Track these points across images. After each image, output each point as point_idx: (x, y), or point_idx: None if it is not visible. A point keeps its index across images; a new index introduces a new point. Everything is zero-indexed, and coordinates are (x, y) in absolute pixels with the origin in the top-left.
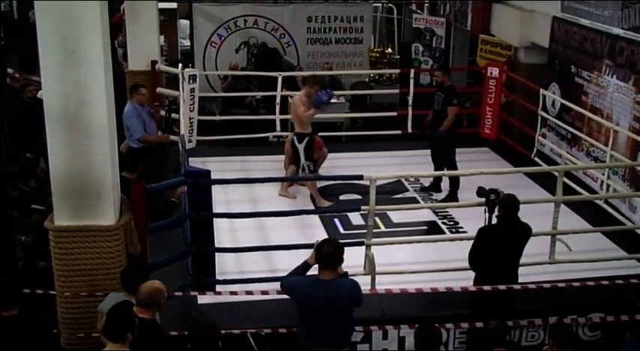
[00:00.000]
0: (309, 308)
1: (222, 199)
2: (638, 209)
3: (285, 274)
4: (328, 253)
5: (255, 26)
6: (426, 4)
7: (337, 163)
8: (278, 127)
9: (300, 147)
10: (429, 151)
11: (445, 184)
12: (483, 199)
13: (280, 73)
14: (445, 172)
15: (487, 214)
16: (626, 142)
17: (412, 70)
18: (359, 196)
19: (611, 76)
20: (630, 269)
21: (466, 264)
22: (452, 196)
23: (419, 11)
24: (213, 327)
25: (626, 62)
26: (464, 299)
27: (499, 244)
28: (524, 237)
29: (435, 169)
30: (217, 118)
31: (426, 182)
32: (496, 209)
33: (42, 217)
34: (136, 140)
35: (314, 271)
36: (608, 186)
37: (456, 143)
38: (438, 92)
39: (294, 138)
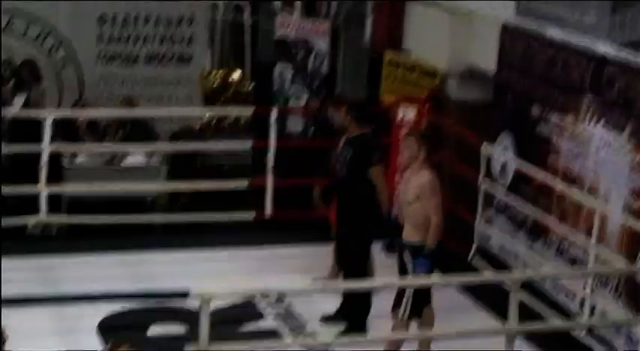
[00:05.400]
0: None
1: None
2: None
3: None
4: None
5: (10, 32)
6: (297, 1)
7: (148, 270)
8: None
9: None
10: (300, 250)
11: None
12: None
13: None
14: (331, 283)
15: None
16: (621, 232)
17: (274, 110)
18: (182, 328)
19: (596, 123)
20: None
21: None
22: (356, 325)
23: (286, 11)
24: None
25: (620, 99)
26: None
27: None
28: None
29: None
30: None
31: (326, 305)
32: None
33: None
34: None
35: None
36: (593, 307)
37: (371, 232)
38: (344, 146)
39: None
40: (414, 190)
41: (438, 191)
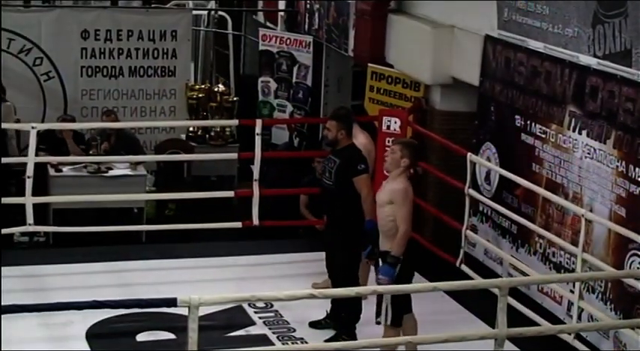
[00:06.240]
0: None
1: None
2: (630, 348)
3: None
4: None
5: None
6: (281, 14)
7: (136, 278)
8: None
9: None
10: (287, 257)
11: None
12: None
13: None
14: (319, 289)
15: None
16: (607, 238)
17: (259, 122)
18: (170, 335)
19: (579, 133)
20: None
21: None
22: (346, 331)
23: (269, 24)
24: None
25: (603, 110)
26: None
27: None
28: None
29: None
30: None
31: (314, 312)
32: None
33: None
34: None
35: None
36: (581, 311)
37: (358, 242)
38: (331, 157)
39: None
40: (387, 194)
41: (410, 201)
